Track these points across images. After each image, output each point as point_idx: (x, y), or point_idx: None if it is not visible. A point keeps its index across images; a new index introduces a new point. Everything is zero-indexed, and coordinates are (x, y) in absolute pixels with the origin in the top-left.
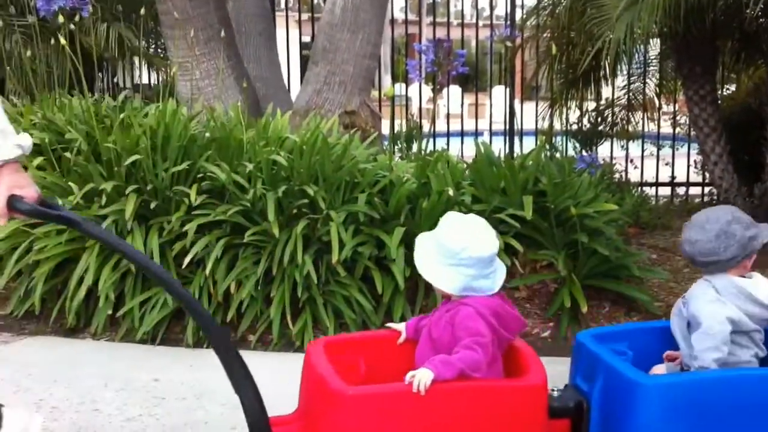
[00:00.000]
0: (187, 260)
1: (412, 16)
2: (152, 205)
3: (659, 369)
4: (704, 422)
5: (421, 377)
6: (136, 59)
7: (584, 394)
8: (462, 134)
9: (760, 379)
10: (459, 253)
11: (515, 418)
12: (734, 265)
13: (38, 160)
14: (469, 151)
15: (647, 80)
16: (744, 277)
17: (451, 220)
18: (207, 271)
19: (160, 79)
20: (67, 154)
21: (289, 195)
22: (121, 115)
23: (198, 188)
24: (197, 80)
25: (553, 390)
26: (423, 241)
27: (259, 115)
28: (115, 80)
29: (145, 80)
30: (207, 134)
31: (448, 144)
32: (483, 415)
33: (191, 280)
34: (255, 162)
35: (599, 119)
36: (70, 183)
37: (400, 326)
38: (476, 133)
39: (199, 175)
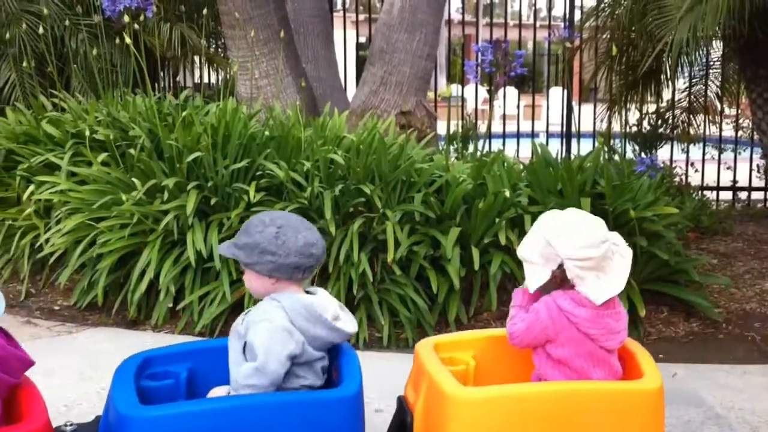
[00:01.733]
0: None
1: (468, 17)
2: (212, 202)
3: (219, 391)
4: None
5: None
6: (197, 58)
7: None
8: (518, 135)
9: (264, 406)
10: None
11: None
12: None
13: (102, 156)
14: (525, 152)
15: (709, 82)
16: (309, 292)
17: None
18: None
19: (221, 78)
20: (131, 151)
21: (346, 193)
22: (183, 114)
23: (257, 185)
24: (256, 79)
25: (66, 425)
26: None
27: (316, 115)
28: (177, 79)
29: (205, 79)
30: (266, 133)
31: (504, 145)
32: None
33: None
34: (312, 160)
35: (659, 122)
36: (133, 179)
37: None
38: (533, 135)
39: (258, 173)
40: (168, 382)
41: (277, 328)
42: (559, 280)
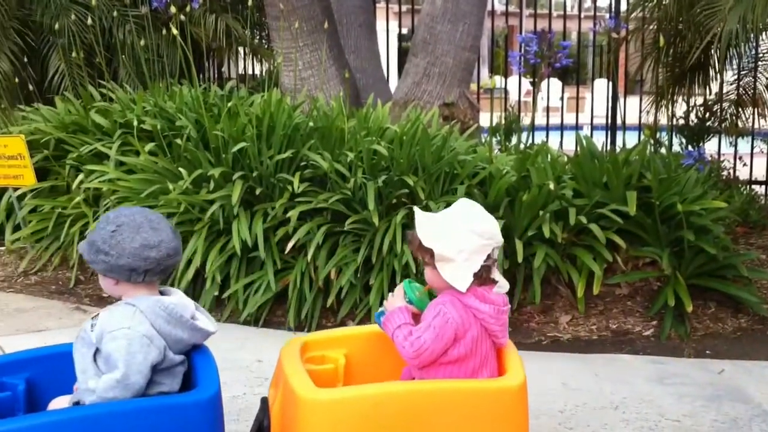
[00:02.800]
0: (289, 246)
1: (511, 8)
2: (257, 192)
3: (61, 401)
4: None
5: None
6: (241, 50)
7: None
8: (561, 128)
9: (114, 415)
10: None
11: None
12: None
13: (150, 146)
14: (569, 145)
15: (758, 75)
16: (162, 292)
17: None
18: (308, 257)
19: (265, 69)
20: (178, 141)
21: (389, 184)
22: (229, 104)
23: (301, 176)
24: (300, 70)
25: None
26: None
27: (359, 106)
28: (222, 70)
29: (250, 70)
30: (310, 123)
31: (547, 137)
32: None
33: (293, 266)
34: (356, 151)
35: (707, 114)
36: (180, 168)
37: None
38: (576, 127)
39: (302, 163)
40: (5, 394)
41: (136, 336)
42: (488, 269)
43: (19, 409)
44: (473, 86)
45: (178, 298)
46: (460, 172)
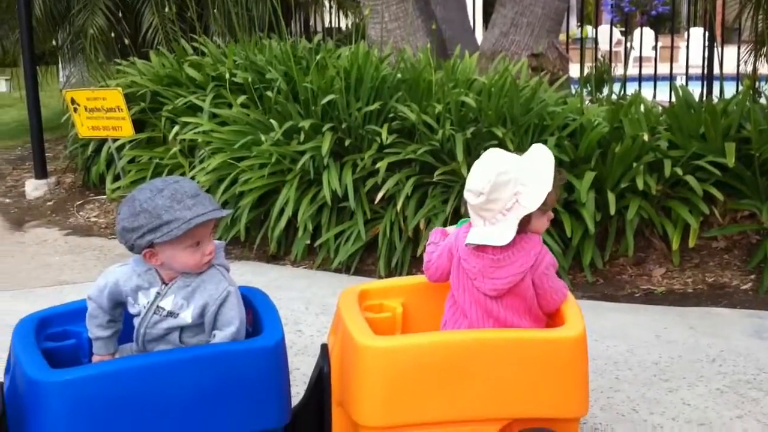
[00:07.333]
0: (379, 196)
1: None
2: (346, 143)
3: (124, 350)
4: (124, 418)
5: None
6: (328, 3)
7: None
8: (655, 78)
9: (187, 361)
10: None
11: None
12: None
13: (241, 98)
14: (661, 97)
15: None
16: None
17: None
18: (398, 208)
19: (350, 22)
20: (268, 93)
21: (477, 136)
22: (317, 57)
23: (389, 127)
24: (386, 23)
25: None
26: None
27: (445, 57)
28: (309, 23)
29: (335, 24)
30: (397, 75)
31: (639, 88)
32: None
33: (382, 216)
34: (444, 103)
35: None
36: (271, 120)
37: None
38: (671, 77)
39: (390, 115)
40: (70, 342)
41: (237, 292)
42: None
43: (84, 356)
44: (562, 36)
45: None
46: (549, 124)
